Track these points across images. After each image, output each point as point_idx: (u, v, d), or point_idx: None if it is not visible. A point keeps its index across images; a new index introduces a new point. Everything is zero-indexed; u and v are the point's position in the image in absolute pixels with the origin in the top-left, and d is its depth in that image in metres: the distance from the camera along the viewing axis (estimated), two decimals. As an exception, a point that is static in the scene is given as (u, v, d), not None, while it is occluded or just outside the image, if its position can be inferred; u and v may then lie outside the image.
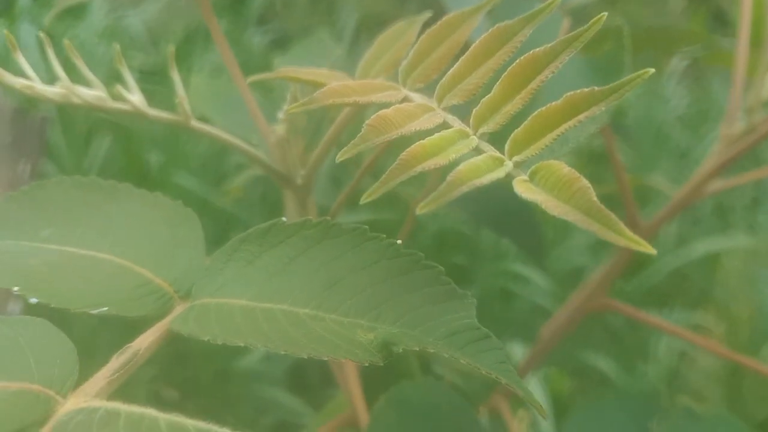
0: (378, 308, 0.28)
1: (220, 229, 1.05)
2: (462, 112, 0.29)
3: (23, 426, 0.22)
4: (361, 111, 0.38)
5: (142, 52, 1.43)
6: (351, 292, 0.28)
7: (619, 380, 1.00)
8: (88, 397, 0.24)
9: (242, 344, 0.25)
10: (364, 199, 0.24)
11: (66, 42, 0.37)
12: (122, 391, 0.26)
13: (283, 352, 0.25)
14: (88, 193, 0.35)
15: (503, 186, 0.38)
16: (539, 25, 0.32)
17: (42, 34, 0.37)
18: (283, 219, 0.30)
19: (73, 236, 0.33)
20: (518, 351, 0.86)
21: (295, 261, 0.29)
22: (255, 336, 0.26)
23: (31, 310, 0.29)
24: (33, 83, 0.35)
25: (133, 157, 1.23)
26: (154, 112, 0.38)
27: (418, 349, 0.25)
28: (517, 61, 0.26)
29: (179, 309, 0.29)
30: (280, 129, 0.40)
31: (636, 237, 0.20)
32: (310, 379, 1.00)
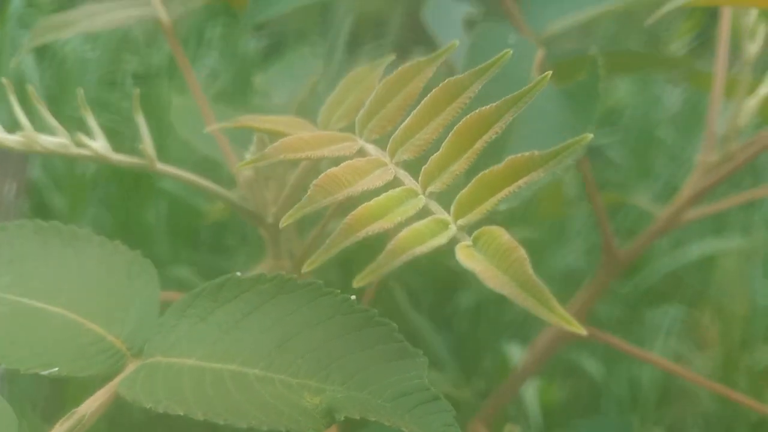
0: (328, 368, 0.27)
1: (211, 236, 1.05)
2: (414, 166, 0.28)
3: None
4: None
5: (137, 55, 1.43)
6: (303, 350, 0.28)
7: (612, 385, 1.00)
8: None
9: (182, 413, 0.25)
10: (306, 268, 0.24)
11: (30, 89, 0.36)
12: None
13: (222, 423, 0.25)
14: (47, 239, 0.34)
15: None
16: (515, 57, 0.32)
17: (5, 80, 0.37)
18: (238, 273, 0.30)
19: (29, 286, 0.32)
20: (515, 353, 0.86)
21: (249, 317, 0.29)
22: (198, 403, 0.26)
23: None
24: (-7, 132, 0.35)
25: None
26: (118, 157, 0.38)
27: (358, 417, 0.25)
28: (464, 119, 0.26)
29: (131, 367, 0.29)
30: (247, 171, 0.40)
31: (567, 316, 0.20)
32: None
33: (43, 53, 1.45)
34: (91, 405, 0.27)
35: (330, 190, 0.26)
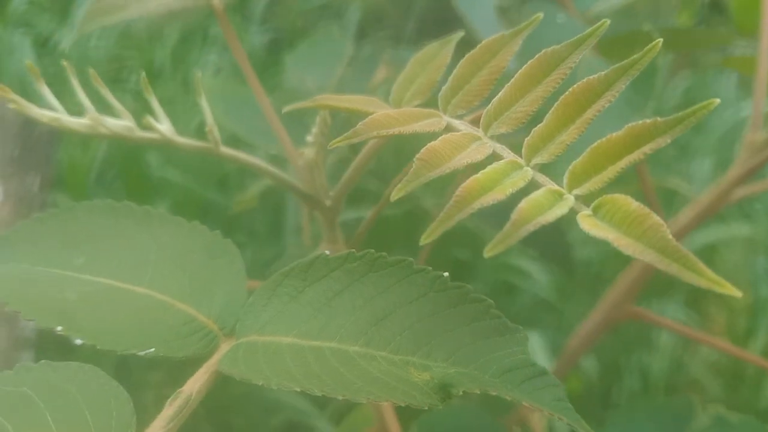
0: (428, 344, 0.27)
1: (222, 228, 1.04)
2: (508, 140, 0.28)
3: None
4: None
5: (140, 51, 1.42)
6: (400, 328, 0.28)
7: (624, 375, 1.00)
8: (146, 450, 0.23)
9: (298, 389, 0.25)
10: (423, 240, 0.23)
11: (92, 72, 0.36)
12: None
13: (341, 398, 0.24)
14: (119, 220, 0.34)
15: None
16: (565, 35, 0.31)
17: (65, 63, 0.37)
18: (326, 252, 0.30)
19: (107, 267, 0.32)
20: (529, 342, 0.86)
21: (340, 296, 0.29)
22: (308, 379, 0.25)
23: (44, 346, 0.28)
24: (60, 116, 0.35)
25: (132, 157, 1.22)
26: (182, 140, 0.37)
27: (478, 391, 0.25)
28: (571, 89, 0.25)
29: (224, 347, 0.29)
30: (309, 152, 0.40)
31: (719, 278, 0.20)
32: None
33: (43, 50, 1.44)
34: (194, 384, 0.26)
35: (433, 164, 0.26)
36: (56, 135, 0.94)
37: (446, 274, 0.29)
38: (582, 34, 0.27)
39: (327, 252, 0.30)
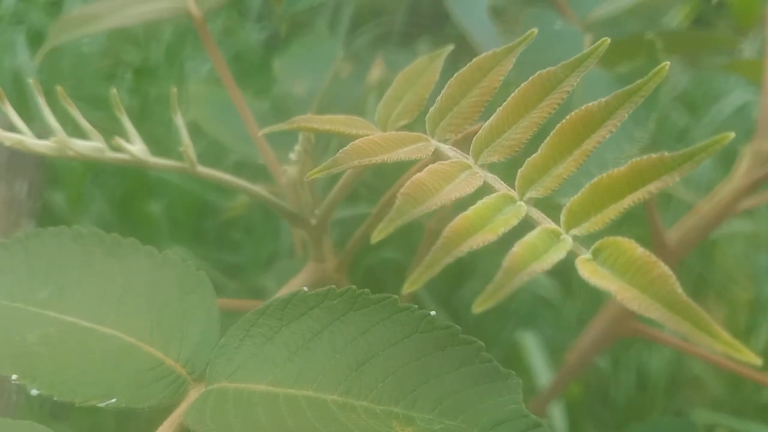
0: (413, 392, 0.25)
1: (218, 227, 1.03)
2: (498, 168, 0.26)
3: None
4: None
5: (136, 46, 1.40)
6: (382, 374, 0.26)
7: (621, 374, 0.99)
8: None
9: (269, 449, 0.23)
10: (407, 288, 0.21)
11: (59, 89, 0.34)
12: None
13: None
14: (88, 248, 0.32)
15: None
16: (563, 42, 0.29)
17: (32, 81, 0.34)
18: (304, 289, 0.28)
19: (72, 301, 0.30)
20: (527, 340, 0.86)
21: (319, 336, 0.27)
22: (281, 436, 0.23)
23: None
24: (24, 138, 0.33)
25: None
26: (156, 161, 0.35)
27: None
28: (568, 117, 0.23)
29: (193, 394, 0.27)
30: (292, 170, 0.37)
31: (734, 342, 0.17)
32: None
33: (38, 47, 1.41)
34: (160, 440, 0.24)
35: (418, 199, 0.23)
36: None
37: (433, 313, 0.26)
38: (581, 54, 0.25)
39: (305, 288, 0.27)
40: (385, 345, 0.26)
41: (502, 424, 0.24)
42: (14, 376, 0.25)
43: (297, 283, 0.39)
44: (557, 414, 0.92)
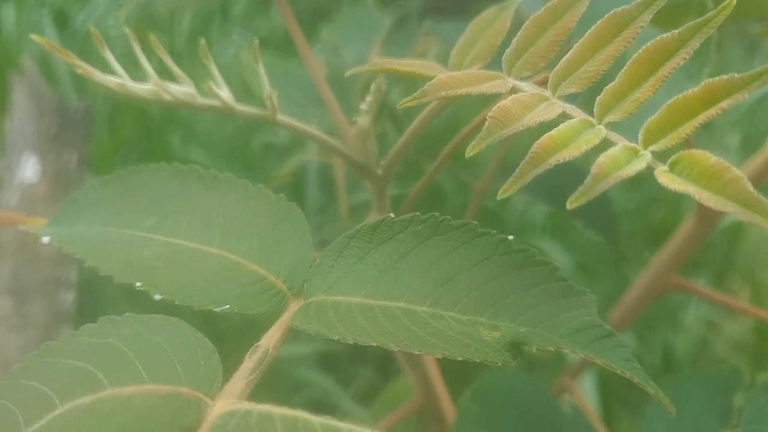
0: (495, 306, 0.27)
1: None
2: (575, 100, 0.28)
3: (177, 430, 0.22)
4: (446, 104, 0.37)
5: (163, 32, 1.43)
6: (466, 289, 0.28)
7: (646, 352, 1.00)
8: (232, 399, 0.24)
9: (374, 344, 0.25)
10: (500, 195, 0.24)
11: (153, 38, 0.36)
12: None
13: (416, 352, 0.25)
14: (186, 183, 0.34)
15: (573, 168, 0.37)
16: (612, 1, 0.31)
17: (128, 31, 0.37)
18: (391, 215, 0.30)
19: (177, 228, 0.32)
20: None
21: (406, 258, 0.29)
22: (383, 335, 0.26)
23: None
24: (125, 81, 0.35)
25: (156, 138, 1.23)
26: (241, 107, 0.37)
27: (552, 349, 0.25)
28: (644, 47, 0.25)
29: (293, 307, 0.29)
30: (363, 120, 0.40)
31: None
32: (338, 358, 1.01)
33: (63, 30, 1.45)
34: (270, 340, 0.27)
35: (505, 122, 0.26)
36: (92, 112, 0.95)
37: (511, 237, 0.29)
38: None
39: (392, 215, 0.30)
40: (466, 266, 0.29)
41: (578, 332, 0.26)
42: (138, 283, 0.28)
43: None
44: (588, 385, 0.94)
